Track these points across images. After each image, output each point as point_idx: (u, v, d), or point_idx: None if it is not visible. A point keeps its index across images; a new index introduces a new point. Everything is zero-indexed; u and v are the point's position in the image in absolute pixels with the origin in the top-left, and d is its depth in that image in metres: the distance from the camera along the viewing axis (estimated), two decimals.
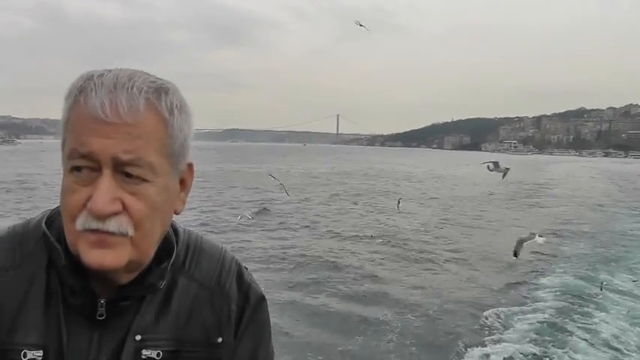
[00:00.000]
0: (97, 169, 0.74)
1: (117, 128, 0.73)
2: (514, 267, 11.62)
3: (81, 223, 0.75)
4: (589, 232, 17.05)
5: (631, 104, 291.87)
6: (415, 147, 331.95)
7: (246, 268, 0.98)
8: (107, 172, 0.74)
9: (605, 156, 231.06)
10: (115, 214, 0.75)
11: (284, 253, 13.09)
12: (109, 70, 0.77)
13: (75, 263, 0.79)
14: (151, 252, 0.83)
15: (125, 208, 0.75)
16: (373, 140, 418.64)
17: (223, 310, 0.91)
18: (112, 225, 0.75)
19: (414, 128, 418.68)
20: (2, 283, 0.81)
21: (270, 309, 0.99)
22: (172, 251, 0.88)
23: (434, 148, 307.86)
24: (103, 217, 0.74)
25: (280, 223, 17.52)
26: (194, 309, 0.89)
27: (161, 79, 0.79)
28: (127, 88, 0.74)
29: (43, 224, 0.85)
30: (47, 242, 0.83)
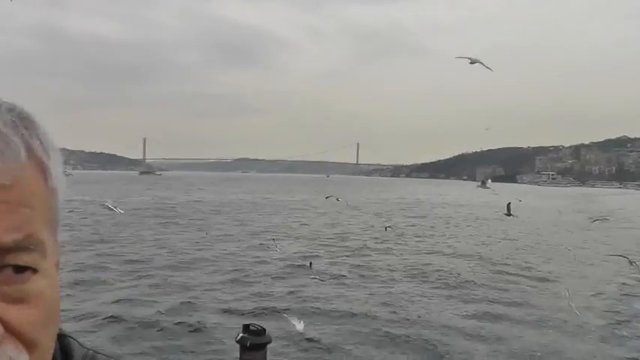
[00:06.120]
0: None
1: None
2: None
3: None
4: None
5: None
6: (443, 179, 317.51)
7: None
8: None
9: None
10: None
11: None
12: None
13: None
14: None
15: (8, 328, 0.48)
16: (397, 171, 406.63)
17: None
18: None
19: (438, 158, 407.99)
20: None
21: None
22: None
23: (464, 179, 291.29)
24: None
25: None
26: None
27: (5, 102, 0.52)
28: None
29: None
30: None
